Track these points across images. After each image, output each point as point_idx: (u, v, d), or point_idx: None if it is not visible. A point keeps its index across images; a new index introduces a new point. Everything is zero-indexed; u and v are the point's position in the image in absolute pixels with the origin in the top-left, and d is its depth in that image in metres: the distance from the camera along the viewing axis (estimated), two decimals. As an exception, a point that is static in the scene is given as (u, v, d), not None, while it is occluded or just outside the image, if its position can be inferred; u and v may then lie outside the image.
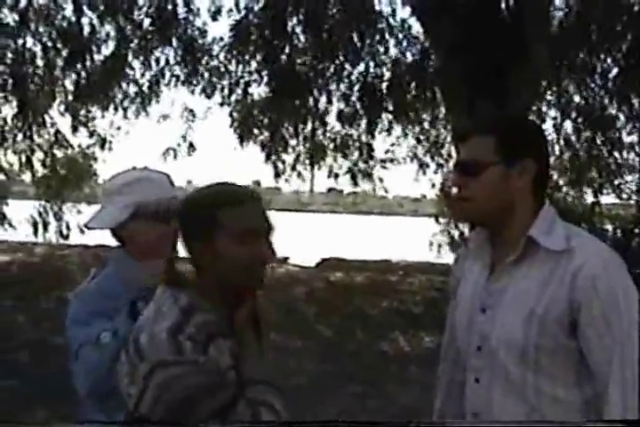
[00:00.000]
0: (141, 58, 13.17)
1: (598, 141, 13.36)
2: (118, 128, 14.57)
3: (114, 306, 2.47)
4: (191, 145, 14.10)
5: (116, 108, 14.05)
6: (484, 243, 2.33)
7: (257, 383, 1.99)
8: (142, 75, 13.55)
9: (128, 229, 2.62)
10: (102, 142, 14.74)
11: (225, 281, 2.01)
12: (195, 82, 13.42)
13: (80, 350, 2.44)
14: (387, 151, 14.86)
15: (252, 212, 2.02)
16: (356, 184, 15.10)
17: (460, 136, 2.31)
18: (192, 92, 13.66)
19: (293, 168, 14.69)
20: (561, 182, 14.05)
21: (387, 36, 12.76)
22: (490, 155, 2.17)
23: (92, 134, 14.57)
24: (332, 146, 14.63)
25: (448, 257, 16.10)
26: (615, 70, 12.30)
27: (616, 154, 13.38)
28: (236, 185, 2.10)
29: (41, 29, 12.97)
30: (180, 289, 2.02)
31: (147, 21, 12.56)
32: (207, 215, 1.98)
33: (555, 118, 13.64)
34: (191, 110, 14.21)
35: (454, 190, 2.28)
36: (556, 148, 13.89)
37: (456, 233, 16.01)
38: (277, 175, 14.58)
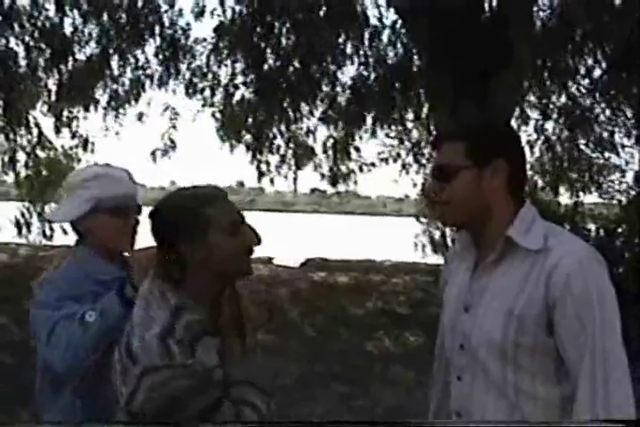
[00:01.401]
0: (124, 58, 13.13)
1: (580, 141, 13.43)
2: (103, 129, 14.50)
3: (79, 292, 2.58)
4: (174, 145, 14.06)
5: (99, 109, 14.01)
6: (469, 244, 2.37)
7: (241, 384, 2.06)
8: (122, 75, 13.50)
9: (87, 223, 2.71)
10: (85, 143, 14.66)
11: (218, 274, 2.10)
12: (178, 82, 13.41)
13: (57, 327, 2.49)
14: (370, 152, 14.88)
15: (229, 205, 2.16)
16: (338, 184, 15.14)
17: (434, 143, 2.38)
18: (175, 92, 13.65)
19: (277, 169, 14.68)
20: (543, 182, 14.10)
21: (371, 37, 12.77)
22: (461, 159, 2.21)
23: (74, 135, 14.48)
24: (315, 146, 14.64)
25: (432, 257, 16.15)
26: (598, 71, 12.37)
27: (598, 153, 13.45)
28: (203, 186, 2.19)
29: (24, 29, 12.89)
30: (168, 286, 2.08)
31: (129, 21, 12.54)
32: (196, 214, 2.07)
33: (537, 119, 13.70)
34: (175, 111, 14.18)
35: (433, 195, 2.31)
36: (538, 148, 13.96)
37: (437, 233, 16.04)
38: (261, 175, 14.59)
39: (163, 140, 14.03)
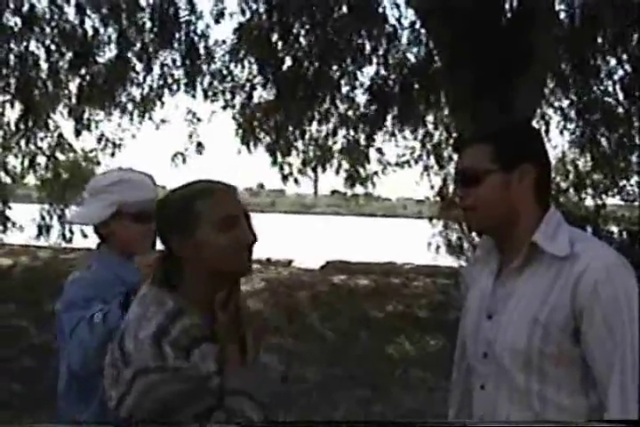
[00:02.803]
0: (144, 61, 13.15)
1: (603, 143, 13.33)
2: (122, 131, 14.55)
3: (107, 294, 2.58)
4: (195, 148, 14.10)
5: (119, 112, 14.06)
6: (492, 249, 2.32)
7: (236, 393, 1.98)
8: (145, 78, 13.55)
9: (110, 227, 2.76)
10: (105, 146, 14.74)
11: (212, 273, 2.02)
12: (198, 85, 13.43)
13: (76, 328, 2.53)
14: (390, 154, 14.84)
15: (226, 200, 2.07)
16: (360, 186, 15.12)
17: (458, 146, 2.33)
18: (195, 95, 13.67)
19: (298, 171, 14.67)
20: (565, 184, 14.03)
21: (391, 38, 12.75)
22: (487, 163, 2.17)
23: (99, 140, 14.55)
24: (336, 148, 14.61)
25: (452, 260, 16.08)
26: (621, 71, 12.29)
27: (621, 155, 13.35)
28: (209, 180, 2.13)
29: (44, 32, 12.94)
30: (166, 290, 2.04)
31: (149, 24, 12.58)
32: (185, 209, 2.02)
33: (559, 120, 13.62)
34: (194, 114, 14.21)
35: (459, 201, 2.27)
36: (561, 149, 13.88)
37: (457, 236, 15.98)
38: (282, 178, 14.59)
39: (183, 143, 14.08)
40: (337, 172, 14.84)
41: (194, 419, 1.90)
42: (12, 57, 12.93)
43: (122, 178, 2.79)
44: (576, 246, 2.10)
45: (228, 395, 1.96)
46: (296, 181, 14.76)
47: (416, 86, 12.77)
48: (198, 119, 14.19)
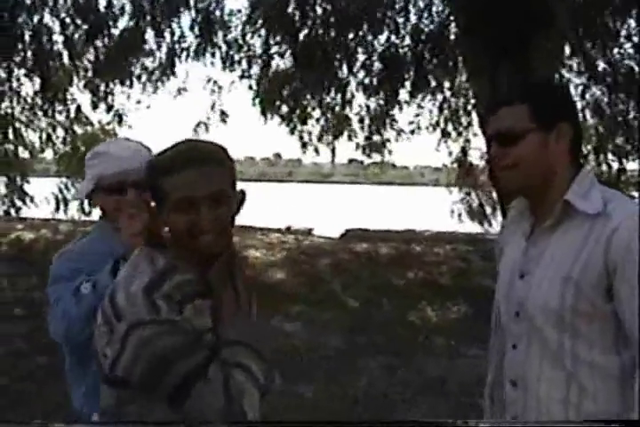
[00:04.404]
0: (160, 32, 13.08)
1: (624, 106, 13.16)
2: (140, 103, 14.52)
3: (95, 266, 2.56)
4: (210, 118, 14.07)
5: (134, 83, 14.02)
6: (525, 210, 2.34)
7: (232, 344, 1.94)
8: (157, 49, 13.48)
9: (94, 201, 2.81)
10: (121, 118, 14.72)
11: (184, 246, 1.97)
12: (215, 55, 13.36)
13: (59, 299, 2.56)
14: (410, 122, 14.74)
15: (191, 178, 1.91)
16: (377, 155, 15.07)
17: (492, 108, 2.30)
18: (212, 64, 13.61)
19: (315, 140, 14.62)
20: (586, 149, 13.89)
21: (407, 4, 12.63)
22: (526, 122, 2.17)
23: (109, 109, 14.49)
24: (352, 116, 14.54)
25: (471, 226, 16.07)
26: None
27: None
28: (194, 145, 2.02)
29: (58, 5, 12.89)
30: (157, 250, 2.00)
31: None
32: (154, 183, 1.96)
33: (579, 84, 13.46)
34: (211, 83, 14.15)
35: (496, 160, 2.25)
36: (582, 114, 13.71)
37: (475, 203, 15.93)
38: (303, 146, 14.56)
39: (199, 113, 14.07)
40: (354, 140, 14.79)
41: (188, 375, 1.84)
42: (27, 31, 12.90)
43: (99, 151, 2.76)
44: (609, 205, 2.10)
45: (224, 346, 1.92)
46: (316, 150, 14.75)
47: (432, 53, 12.66)
48: (213, 88, 14.14)
